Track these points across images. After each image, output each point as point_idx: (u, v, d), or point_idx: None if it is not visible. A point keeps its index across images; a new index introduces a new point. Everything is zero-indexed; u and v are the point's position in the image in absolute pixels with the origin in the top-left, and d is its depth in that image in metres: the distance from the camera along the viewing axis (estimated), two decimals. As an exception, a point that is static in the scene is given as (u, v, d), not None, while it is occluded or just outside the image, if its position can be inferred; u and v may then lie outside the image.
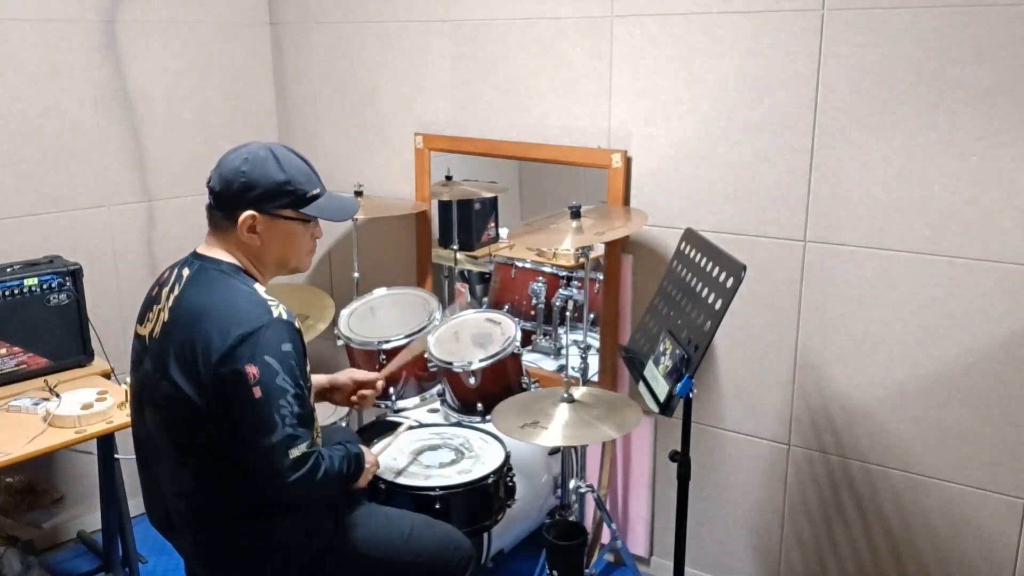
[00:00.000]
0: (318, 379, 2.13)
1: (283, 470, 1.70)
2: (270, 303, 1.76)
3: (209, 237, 1.87)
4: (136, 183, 3.21)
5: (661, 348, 2.15)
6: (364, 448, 2.00)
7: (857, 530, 2.53)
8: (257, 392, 1.68)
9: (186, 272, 1.84)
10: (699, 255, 2.18)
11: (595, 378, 2.88)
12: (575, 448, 2.73)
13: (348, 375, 2.22)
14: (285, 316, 1.76)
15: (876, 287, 2.37)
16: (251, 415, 1.69)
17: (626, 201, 2.73)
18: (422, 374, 2.79)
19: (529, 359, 3.02)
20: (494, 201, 3.32)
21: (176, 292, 1.82)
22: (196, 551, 1.92)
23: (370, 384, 2.21)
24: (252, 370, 1.68)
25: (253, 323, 1.71)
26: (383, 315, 2.96)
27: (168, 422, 1.80)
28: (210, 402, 1.71)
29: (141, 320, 1.90)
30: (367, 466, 1.98)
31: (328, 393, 2.20)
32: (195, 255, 1.87)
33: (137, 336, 1.90)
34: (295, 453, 1.70)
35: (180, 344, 1.75)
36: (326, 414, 2.88)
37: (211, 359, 1.69)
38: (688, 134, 2.59)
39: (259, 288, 1.81)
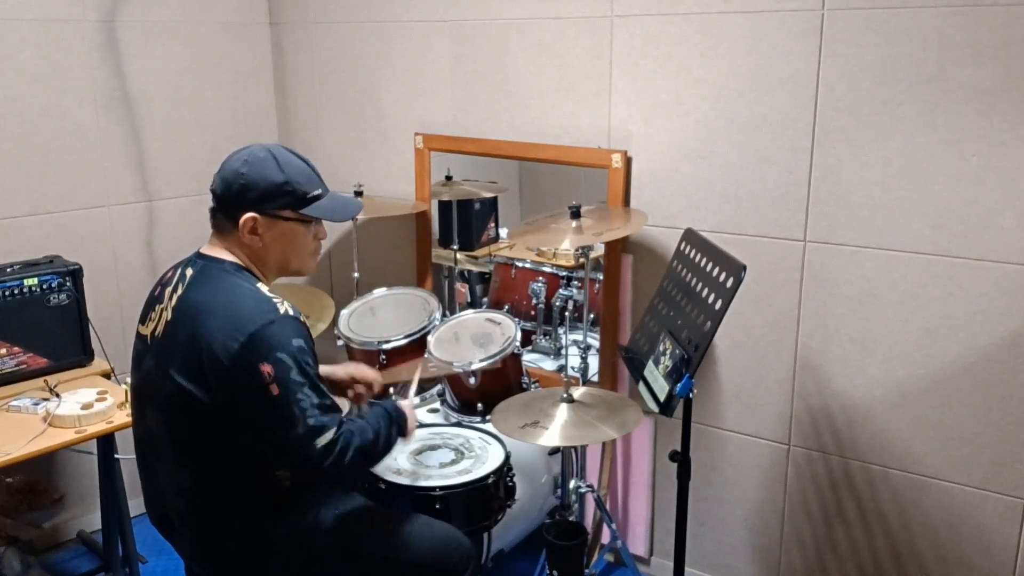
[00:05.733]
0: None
1: (313, 459, 1.73)
2: (275, 300, 1.77)
3: (213, 239, 1.88)
4: (136, 183, 3.21)
5: (661, 348, 2.15)
6: (396, 400, 2.03)
7: (857, 530, 2.53)
8: (275, 389, 1.69)
9: (189, 272, 1.84)
10: (699, 255, 2.18)
11: (595, 378, 2.88)
12: (575, 448, 2.72)
13: (345, 370, 2.21)
14: (291, 312, 1.77)
15: (876, 287, 2.37)
16: (271, 412, 1.70)
17: (626, 201, 2.73)
18: (422, 374, 2.79)
19: (529, 359, 3.02)
20: (494, 201, 3.32)
21: (180, 291, 1.82)
22: (195, 551, 1.92)
23: (367, 383, 2.21)
24: (267, 368, 1.69)
25: (261, 321, 1.71)
26: (383, 315, 2.96)
27: (170, 421, 1.80)
28: (217, 400, 1.72)
29: (143, 320, 1.91)
30: (407, 413, 2.00)
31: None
32: (199, 255, 1.87)
33: (139, 335, 1.91)
34: (322, 442, 1.72)
35: (184, 343, 1.75)
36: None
37: (220, 358, 1.69)
38: (688, 134, 2.59)
39: (262, 287, 1.82)
